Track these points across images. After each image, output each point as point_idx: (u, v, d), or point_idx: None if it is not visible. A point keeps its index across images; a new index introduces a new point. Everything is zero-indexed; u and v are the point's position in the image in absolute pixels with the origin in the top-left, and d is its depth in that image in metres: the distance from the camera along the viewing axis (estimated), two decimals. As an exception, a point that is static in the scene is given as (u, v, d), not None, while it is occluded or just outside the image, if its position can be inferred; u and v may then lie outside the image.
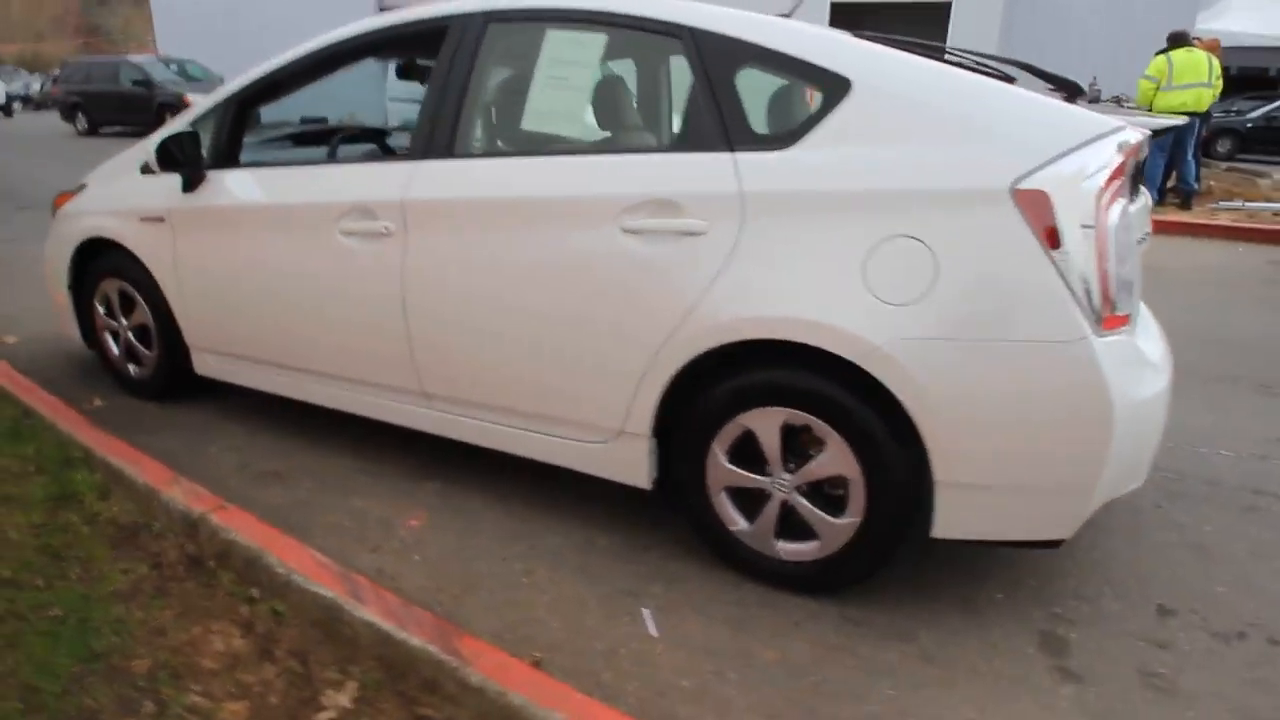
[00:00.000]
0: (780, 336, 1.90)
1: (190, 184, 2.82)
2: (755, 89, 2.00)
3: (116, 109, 16.67)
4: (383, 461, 2.79)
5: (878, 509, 1.94)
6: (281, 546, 2.03)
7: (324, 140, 3.47)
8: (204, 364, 3.07)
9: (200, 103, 2.92)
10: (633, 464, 2.22)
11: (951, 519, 1.89)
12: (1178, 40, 8.08)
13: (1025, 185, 1.72)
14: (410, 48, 2.90)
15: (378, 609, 1.78)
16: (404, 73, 3.45)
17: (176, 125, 2.93)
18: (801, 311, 1.87)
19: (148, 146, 3.03)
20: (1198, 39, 8.45)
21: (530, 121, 2.24)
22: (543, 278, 2.17)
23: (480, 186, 2.25)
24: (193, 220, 2.84)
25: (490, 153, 2.35)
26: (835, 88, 1.91)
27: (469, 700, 1.56)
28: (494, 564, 2.21)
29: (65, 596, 1.98)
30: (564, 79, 2.19)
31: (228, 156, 2.84)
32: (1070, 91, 2.16)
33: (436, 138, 2.35)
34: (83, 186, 3.30)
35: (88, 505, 2.34)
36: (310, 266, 2.57)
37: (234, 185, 2.78)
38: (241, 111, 2.82)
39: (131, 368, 3.30)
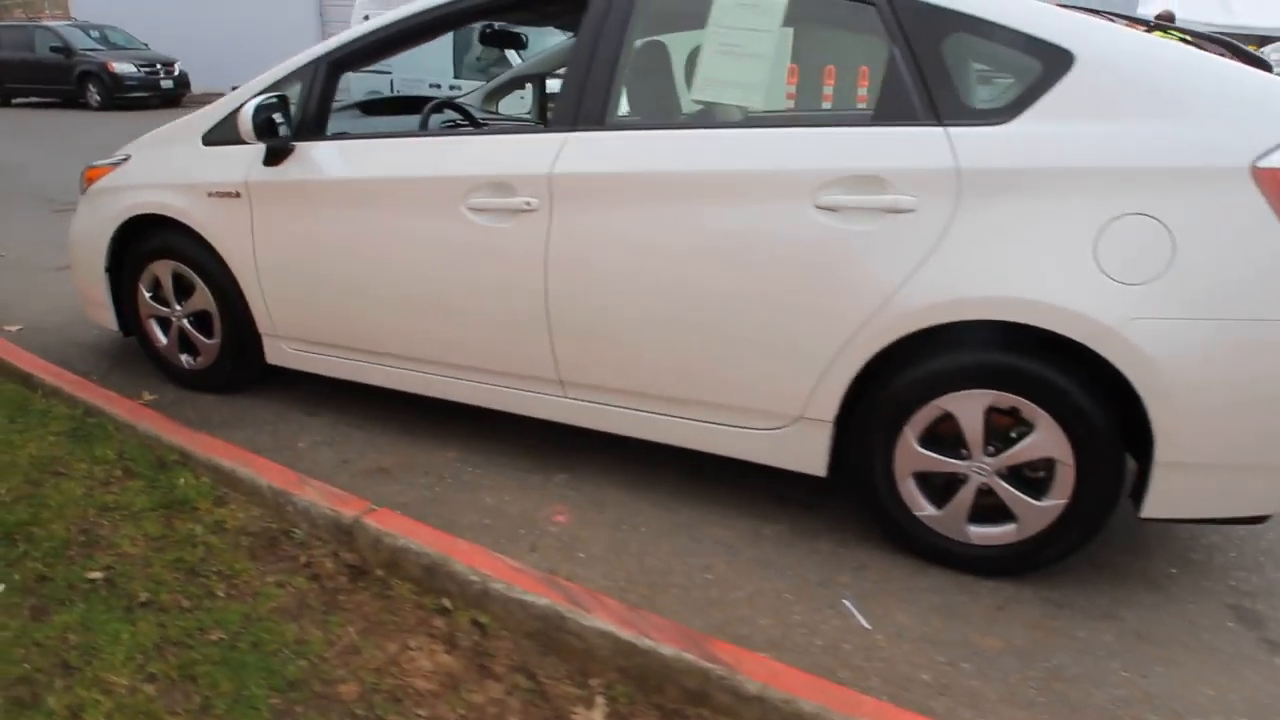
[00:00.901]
0: (1002, 318, 1.84)
1: (276, 156, 2.55)
2: (958, 59, 1.92)
3: (32, 78, 15.32)
4: (491, 452, 2.63)
5: (1086, 491, 1.92)
6: (464, 552, 1.87)
7: (398, 110, 3.21)
8: (279, 353, 2.82)
9: (277, 67, 2.64)
10: (808, 451, 2.13)
11: (1165, 499, 1.88)
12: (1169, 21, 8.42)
13: (1265, 164, 1.71)
14: (543, 8, 2.68)
15: (608, 616, 1.65)
16: (491, 39, 3.22)
17: (250, 91, 2.65)
18: (1026, 292, 1.82)
19: (214, 114, 2.74)
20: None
21: (700, 90, 2.10)
22: (719, 259, 2.05)
23: (645, 160, 2.10)
24: (278, 196, 2.58)
25: (652, 124, 2.19)
26: (1055, 61, 1.84)
27: (748, 712, 1.47)
28: (668, 559, 2.10)
29: (223, 617, 1.77)
30: (739, 45, 2.06)
31: (315, 127, 2.59)
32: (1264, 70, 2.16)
33: (587, 107, 2.18)
34: (125, 158, 2.97)
35: (204, 512, 2.11)
36: (428, 247, 2.37)
37: (328, 158, 2.53)
38: (332, 76, 2.57)
39: (184, 358, 3.00)
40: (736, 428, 2.19)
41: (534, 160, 2.21)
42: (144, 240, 2.91)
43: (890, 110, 1.95)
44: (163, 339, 3.04)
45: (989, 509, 2.03)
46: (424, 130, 2.82)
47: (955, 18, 1.91)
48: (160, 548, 1.98)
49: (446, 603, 1.79)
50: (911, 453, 2.04)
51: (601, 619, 1.63)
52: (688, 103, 2.15)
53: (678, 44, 2.10)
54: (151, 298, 2.99)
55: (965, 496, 2.03)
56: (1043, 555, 2.02)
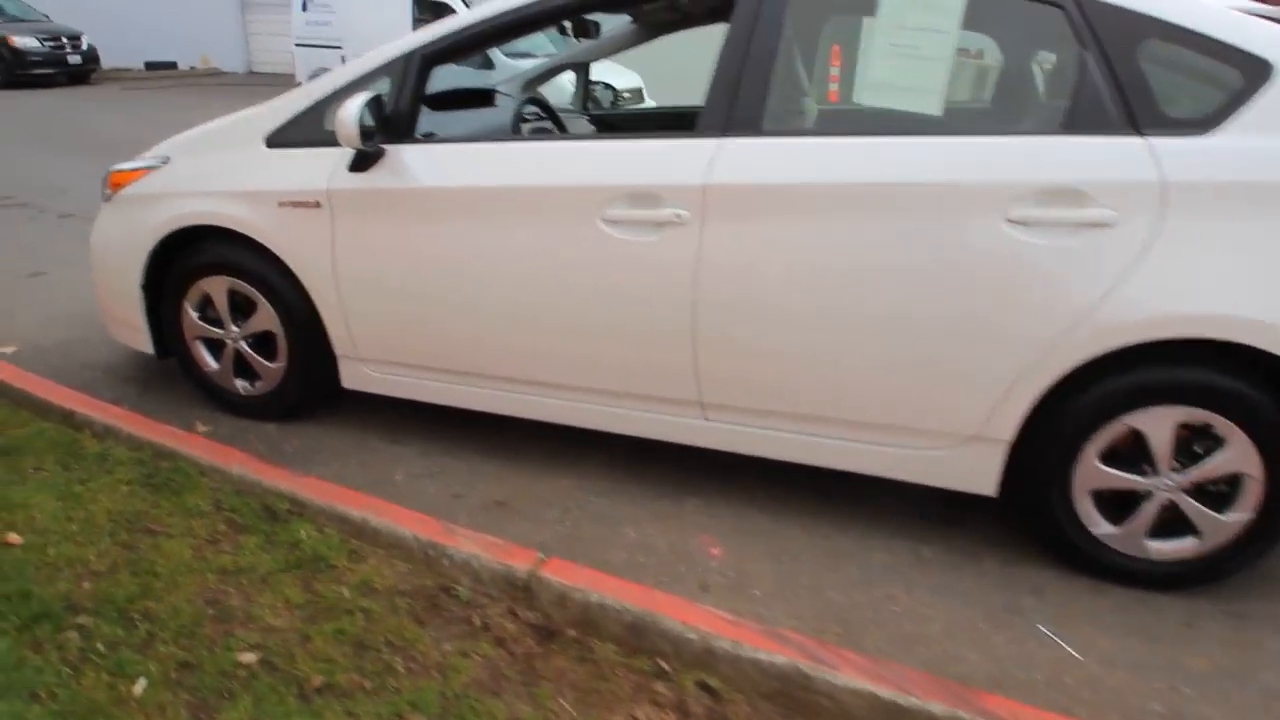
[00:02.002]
0: (1206, 335, 1.80)
1: (364, 161, 2.29)
2: (1153, 66, 1.85)
3: (-90, 49, 13.77)
4: (608, 478, 2.46)
5: (1275, 504, 1.92)
6: (668, 604, 1.72)
7: (452, 105, 2.94)
8: (359, 377, 2.57)
9: (363, 60, 2.36)
10: (979, 471, 2.06)
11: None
12: None
13: None
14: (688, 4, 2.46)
15: (856, 671, 1.54)
16: (579, 30, 2.98)
17: (327, 87, 2.36)
18: (1231, 309, 1.78)
19: (278, 112, 2.44)
20: None
21: (868, 94, 1.97)
22: (896, 275, 1.94)
23: (813, 170, 1.96)
24: (367, 205, 2.32)
25: (814, 130, 2.04)
26: (1254, 71, 1.79)
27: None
28: (847, 592, 2.01)
29: (418, 698, 1.57)
30: (913, 47, 1.93)
31: (407, 128, 2.33)
32: None
33: (741, 110, 2.02)
34: (164, 160, 2.62)
35: (344, 571, 1.89)
36: (555, 262, 2.18)
37: (427, 163, 2.28)
38: (425, 72, 2.31)
39: (240, 383, 2.71)
40: (900, 448, 2.10)
41: (684, 169, 2.04)
42: (191, 254, 2.59)
43: (1084, 119, 1.87)
44: (212, 363, 2.73)
45: (1167, 523, 2.02)
46: (532, 133, 2.60)
47: (1150, 23, 1.84)
48: (310, 617, 1.75)
49: (664, 664, 1.64)
50: (1092, 470, 2.00)
51: (851, 675, 1.52)
52: (852, 107, 2.02)
53: (847, 44, 1.96)
54: (199, 318, 2.68)
55: (1147, 512, 2.00)
56: (1223, 568, 2.02)
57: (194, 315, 2.67)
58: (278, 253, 2.44)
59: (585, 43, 3.46)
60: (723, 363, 2.14)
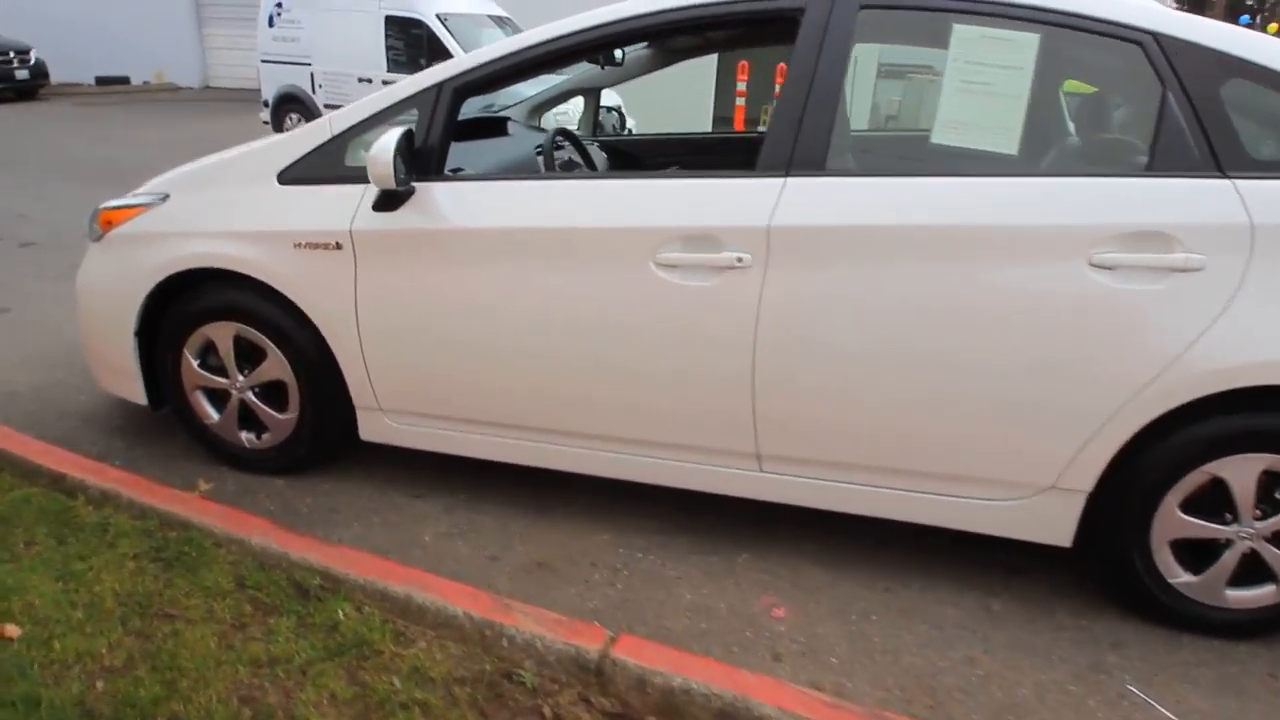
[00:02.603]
0: (1299, 382, 1.74)
1: (391, 200, 2.13)
2: (1236, 106, 1.80)
3: None
4: (649, 530, 2.32)
5: (1358, 550, 1.87)
6: (758, 686, 1.58)
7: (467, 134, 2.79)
8: (379, 429, 2.39)
9: (387, 91, 2.20)
10: (1054, 521, 1.98)
11: None
12: None
13: None
14: (737, 30, 2.33)
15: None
16: (608, 57, 2.84)
17: (348, 120, 2.20)
18: (1327, 353, 1.72)
19: (292, 147, 2.26)
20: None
21: (941, 132, 1.88)
22: (969, 320, 1.85)
23: (886, 213, 1.86)
24: (394, 247, 2.15)
25: (885, 170, 1.94)
26: (1342, 109, 1.75)
27: None
28: (925, 656, 1.89)
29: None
30: (985, 84, 1.85)
31: (436, 164, 2.18)
32: None
33: (805, 149, 1.91)
34: (162, 197, 2.42)
35: (391, 657, 1.71)
36: (600, 307, 2.04)
37: (459, 202, 2.13)
38: (457, 105, 2.16)
39: (245, 436, 2.51)
40: (973, 500, 2.00)
41: (745, 211, 1.93)
42: (192, 298, 2.39)
43: (1167, 160, 1.80)
44: (213, 414, 2.52)
45: (1245, 572, 1.95)
46: (565, 167, 2.46)
47: (1234, 63, 1.78)
48: (361, 715, 1.57)
49: (761, 755, 1.51)
50: (1173, 519, 1.92)
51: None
52: (925, 145, 1.93)
53: (910, 81, 1.87)
54: (200, 366, 2.47)
55: (1228, 561, 1.93)
56: (1304, 616, 1.97)
57: (194, 364, 2.46)
58: (292, 297, 2.26)
59: (593, 69, 3.34)
60: (783, 412, 2.02)
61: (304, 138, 2.27)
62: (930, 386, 1.91)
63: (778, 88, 9.89)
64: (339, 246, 2.19)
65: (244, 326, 2.36)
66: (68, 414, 2.90)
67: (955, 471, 1.99)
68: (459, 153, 2.37)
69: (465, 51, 8.69)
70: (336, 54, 8.95)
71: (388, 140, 1.98)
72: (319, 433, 2.44)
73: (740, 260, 1.93)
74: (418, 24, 8.54)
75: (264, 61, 9.44)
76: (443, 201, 2.14)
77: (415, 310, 2.19)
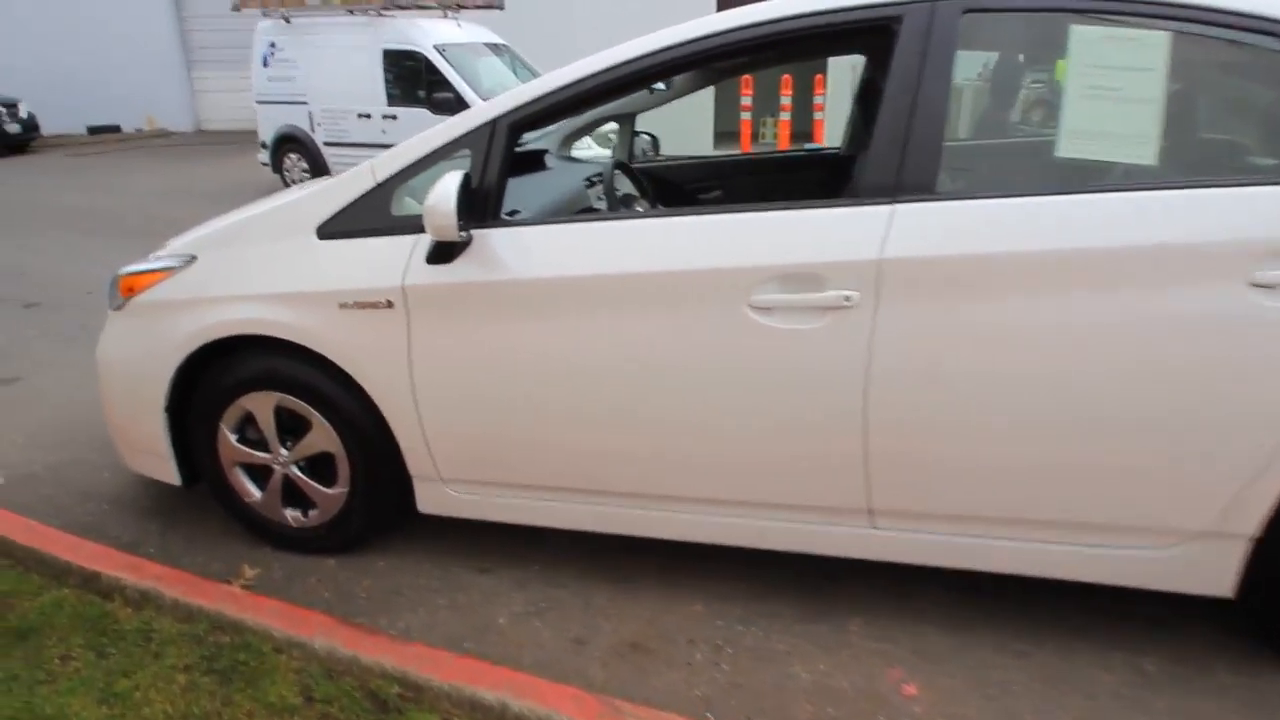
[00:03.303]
0: None
1: (447, 252, 1.93)
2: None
3: None
4: (740, 597, 2.10)
5: None
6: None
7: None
8: (440, 499, 2.17)
9: (435, 131, 2.01)
10: (1214, 571, 1.76)
11: None
12: None
13: None
14: (824, 44, 2.14)
15: None
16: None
17: (395, 163, 2.00)
18: None
19: (331, 197, 2.06)
20: None
21: (1067, 144, 1.68)
22: (1113, 352, 1.64)
23: (1009, 236, 1.66)
24: (453, 302, 1.95)
25: (1007, 190, 1.74)
26: None
27: None
28: (1088, 734, 1.68)
29: None
30: (1113, 89, 1.66)
31: (494, 209, 1.98)
32: None
33: (913, 172, 1.72)
34: (188, 259, 2.22)
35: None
36: (687, 357, 1.84)
37: (521, 250, 1.93)
38: (512, 143, 1.97)
39: (290, 513, 2.29)
40: (1117, 550, 1.79)
41: (850, 244, 1.73)
42: (227, 368, 2.19)
43: (1331, 162, 1.61)
44: (254, 491, 2.30)
45: None
46: (629, 204, 2.26)
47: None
48: None
49: None
50: (1350, 563, 1.72)
51: None
52: (1044, 158, 1.74)
53: (1030, 89, 1.69)
54: (239, 440, 2.26)
55: None
56: None
57: (232, 439, 2.25)
58: (339, 363, 2.05)
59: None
60: (900, 465, 1.81)
61: (343, 187, 2.07)
62: (1068, 428, 1.70)
63: (783, 99, 9.71)
64: (390, 305, 1.98)
65: (286, 396, 2.15)
66: (92, 496, 2.68)
67: (1100, 520, 1.77)
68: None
69: (465, 82, 8.63)
70: (334, 91, 8.79)
71: (447, 187, 1.78)
72: (372, 507, 2.23)
73: (848, 299, 1.72)
74: (415, 56, 8.39)
75: (260, 102, 9.27)
76: (503, 250, 1.94)
77: (478, 371, 1.98)
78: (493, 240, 1.95)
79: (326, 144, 8.94)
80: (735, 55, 1.91)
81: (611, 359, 1.89)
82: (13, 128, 13.46)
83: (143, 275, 2.27)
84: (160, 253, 2.34)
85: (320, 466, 2.24)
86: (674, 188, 3.24)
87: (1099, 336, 1.65)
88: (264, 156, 9.44)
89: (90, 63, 15.72)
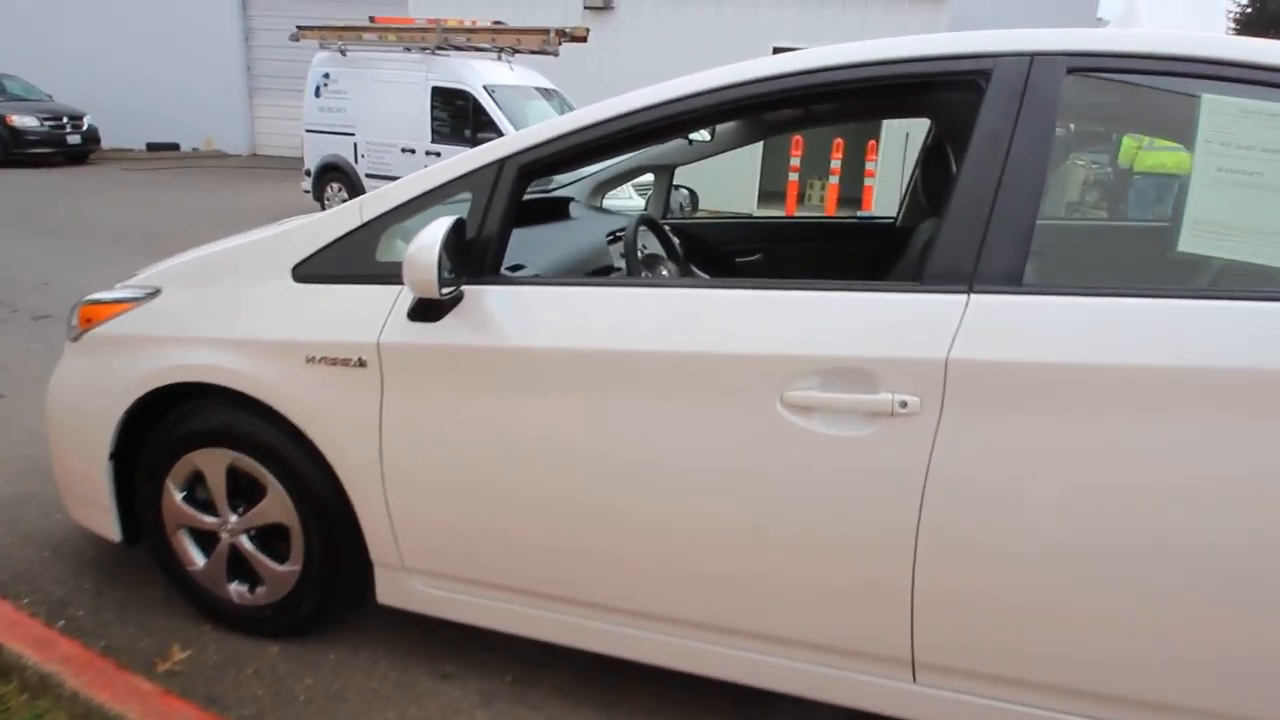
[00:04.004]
0: None
1: (433, 308, 1.66)
2: None
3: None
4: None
5: None
6: None
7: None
8: (404, 592, 1.86)
9: (434, 170, 1.76)
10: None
11: None
12: None
13: None
14: (885, 101, 1.88)
15: None
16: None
17: (387, 202, 1.75)
18: None
19: (311, 235, 1.81)
20: None
21: (1191, 238, 1.36)
22: (1248, 488, 1.29)
23: (1119, 345, 1.33)
24: (435, 368, 1.67)
25: (1113, 287, 1.41)
26: None
27: None
28: None
29: None
30: (1253, 173, 1.35)
31: (493, 262, 1.71)
32: None
33: (994, 256, 1.41)
34: (152, 292, 1.98)
35: None
36: (704, 457, 1.51)
37: (521, 313, 1.64)
38: (522, 188, 1.71)
39: (236, 588, 2.00)
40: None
41: (911, 338, 1.41)
42: (180, 417, 1.93)
43: None
44: (198, 559, 2.02)
45: None
46: (654, 265, 1.99)
47: None
48: None
49: None
50: None
51: None
52: (1169, 253, 1.42)
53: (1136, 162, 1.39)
54: (185, 499, 1.99)
55: None
56: None
57: (178, 497, 1.98)
58: (299, 424, 1.77)
59: (671, 144, 2.91)
60: (955, 612, 1.46)
61: (328, 224, 1.82)
62: (1179, 582, 1.34)
63: (834, 163, 9.51)
64: (362, 364, 1.71)
65: (241, 456, 1.88)
66: (36, 539, 2.42)
67: (1208, 707, 1.40)
68: (512, 243, 1.91)
69: (512, 124, 8.56)
70: (381, 124, 8.80)
71: (433, 234, 1.51)
72: (327, 591, 1.92)
73: (904, 405, 1.40)
74: (464, 95, 8.37)
75: (309, 131, 9.32)
76: (500, 311, 1.66)
77: (458, 450, 1.68)
78: (488, 298, 1.67)
79: (369, 175, 8.92)
80: (781, 105, 1.64)
81: (610, 450, 1.58)
82: (74, 139, 13.84)
83: (103, 305, 2.03)
84: (128, 282, 2.11)
85: (273, 538, 1.94)
86: (709, 248, 2.96)
87: (1229, 471, 1.30)
88: (307, 184, 9.47)
89: (157, 81, 16.23)
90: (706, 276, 2.72)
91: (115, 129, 15.38)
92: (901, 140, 11.14)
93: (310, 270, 1.81)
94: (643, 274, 2.00)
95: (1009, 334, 1.38)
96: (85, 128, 14.17)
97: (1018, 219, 1.41)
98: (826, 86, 1.58)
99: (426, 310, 1.66)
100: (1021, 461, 1.37)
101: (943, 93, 1.68)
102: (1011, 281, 1.40)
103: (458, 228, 1.60)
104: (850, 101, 2.23)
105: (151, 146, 16.62)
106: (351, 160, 9.08)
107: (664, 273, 2.13)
